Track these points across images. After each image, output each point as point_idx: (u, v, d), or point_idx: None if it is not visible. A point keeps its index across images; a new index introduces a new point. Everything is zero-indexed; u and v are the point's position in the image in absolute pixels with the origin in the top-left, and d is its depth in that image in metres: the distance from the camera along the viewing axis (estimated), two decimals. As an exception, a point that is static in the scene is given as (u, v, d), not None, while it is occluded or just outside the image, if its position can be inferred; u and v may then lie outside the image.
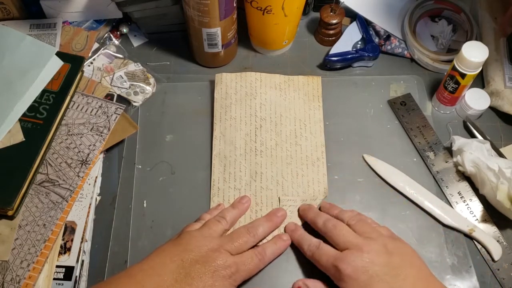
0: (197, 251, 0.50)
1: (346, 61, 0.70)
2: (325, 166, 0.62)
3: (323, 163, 0.63)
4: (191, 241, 0.52)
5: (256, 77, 0.68)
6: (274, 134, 0.64)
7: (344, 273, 0.48)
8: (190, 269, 0.49)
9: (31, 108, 0.63)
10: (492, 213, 0.59)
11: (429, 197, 0.60)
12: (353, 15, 0.73)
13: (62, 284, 0.55)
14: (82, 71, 0.68)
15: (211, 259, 0.50)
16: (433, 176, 0.62)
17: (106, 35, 0.73)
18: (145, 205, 0.60)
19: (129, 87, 0.68)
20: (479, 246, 0.57)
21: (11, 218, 0.57)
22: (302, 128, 0.65)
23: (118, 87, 0.68)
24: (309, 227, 0.57)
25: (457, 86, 0.63)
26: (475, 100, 0.65)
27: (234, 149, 0.63)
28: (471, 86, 0.65)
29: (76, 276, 0.55)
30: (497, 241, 0.57)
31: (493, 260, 0.56)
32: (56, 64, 0.66)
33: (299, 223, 0.58)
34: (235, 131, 0.64)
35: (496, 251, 0.57)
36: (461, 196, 0.61)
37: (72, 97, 0.66)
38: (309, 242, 0.54)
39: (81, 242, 0.57)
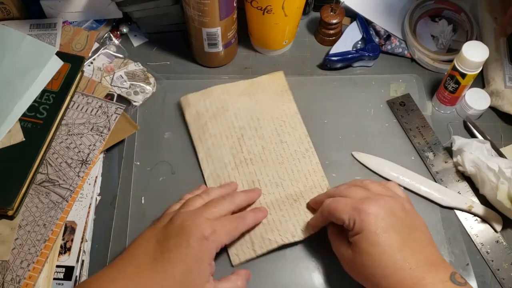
0: (172, 226, 0.50)
1: (346, 61, 0.70)
2: (316, 155, 0.62)
3: (313, 152, 0.63)
4: (166, 220, 0.51)
5: (222, 90, 0.67)
6: (257, 139, 0.64)
7: (367, 211, 0.47)
8: (166, 244, 0.48)
9: (31, 108, 0.63)
10: (492, 213, 0.59)
11: (425, 182, 0.61)
12: (353, 15, 0.73)
13: (62, 284, 0.55)
14: (82, 71, 0.68)
15: (185, 227, 0.49)
16: (433, 176, 0.62)
17: (106, 35, 0.73)
18: (143, 201, 0.60)
19: (129, 87, 0.68)
20: (479, 246, 0.57)
21: (11, 218, 0.57)
22: (282, 125, 0.65)
23: (118, 87, 0.68)
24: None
25: (457, 86, 0.63)
26: (475, 100, 0.65)
27: (225, 166, 0.62)
28: (471, 86, 0.65)
29: (76, 276, 0.55)
30: (497, 241, 0.58)
31: (495, 231, 0.58)
32: (56, 64, 0.66)
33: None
34: (219, 148, 0.63)
35: (497, 222, 0.58)
36: (461, 196, 0.61)
37: (72, 97, 0.66)
38: (328, 199, 0.53)
39: (81, 242, 0.57)
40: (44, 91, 0.64)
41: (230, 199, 0.54)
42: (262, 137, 0.64)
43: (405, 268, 0.45)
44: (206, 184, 0.61)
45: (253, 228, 0.56)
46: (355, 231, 0.48)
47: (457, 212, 0.60)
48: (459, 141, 0.61)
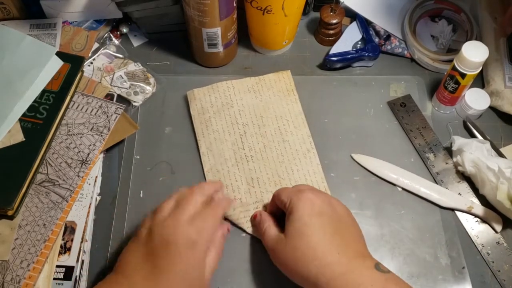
0: (154, 238, 0.48)
1: (346, 61, 0.70)
2: (317, 156, 0.63)
3: (314, 153, 0.63)
4: (144, 232, 0.50)
5: (228, 85, 0.67)
6: (260, 137, 0.64)
7: (305, 195, 0.50)
8: (156, 260, 0.47)
9: (31, 108, 0.63)
10: (492, 213, 0.59)
11: (424, 183, 0.61)
12: (353, 15, 0.73)
13: (62, 284, 0.55)
14: (82, 71, 0.68)
15: (169, 238, 0.47)
16: (434, 178, 0.62)
17: (106, 35, 0.73)
18: (141, 195, 0.60)
19: (129, 87, 0.68)
20: (479, 248, 0.57)
21: (11, 218, 0.57)
22: (285, 124, 0.65)
23: (118, 87, 0.68)
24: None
25: (457, 86, 0.63)
26: (475, 100, 0.65)
27: (225, 161, 0.62)
28: (471, 86, 0.65)
29: (76, 276, 0.55)
30: (497, 243, 0.58)
31: (495, 231, 0.58)
32: (56, 64, 0.66)
33: None
34: (221, 143, 0.63)
35: (497, 222, 0.58)
36: (461, 197, 0.61)
37: (72, 97, 0.66)
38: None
39: (81, 242, 0.57)
40: (44, 91, 0.64)
41: (199, 191, 0.52)
42: (264, 135, 0.64)
43: (334, 252, 0.47)
44: (205, 179, 0.61)
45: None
46: (290, 210, 0.50)
47: (457, 213, 0.60)
48: (459, 141, 0.61)
